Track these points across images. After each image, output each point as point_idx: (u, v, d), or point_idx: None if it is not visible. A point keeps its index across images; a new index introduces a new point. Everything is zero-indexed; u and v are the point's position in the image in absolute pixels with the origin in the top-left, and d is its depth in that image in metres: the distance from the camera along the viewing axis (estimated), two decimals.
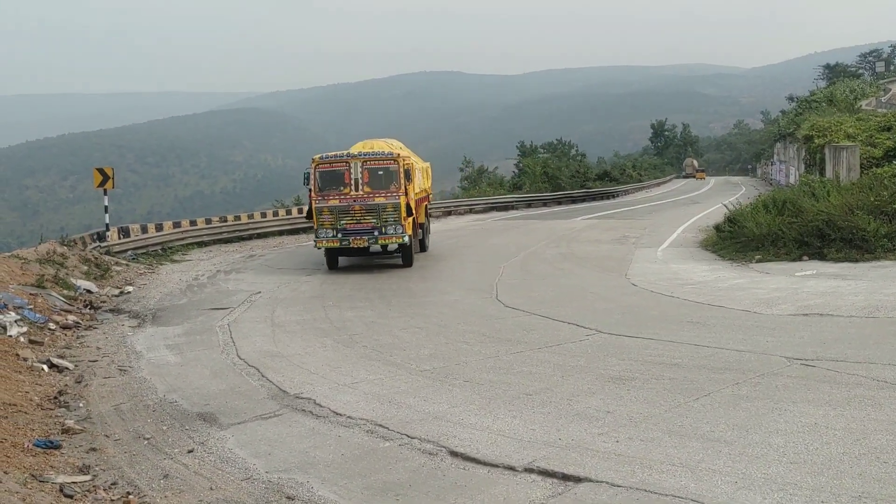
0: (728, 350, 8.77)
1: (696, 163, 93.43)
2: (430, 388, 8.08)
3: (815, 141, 27.39)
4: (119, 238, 22.51)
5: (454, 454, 6.13)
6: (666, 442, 6.00)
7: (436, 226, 28.40)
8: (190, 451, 6.58)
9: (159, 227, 25.14)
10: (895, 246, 15.07)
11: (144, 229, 24.41)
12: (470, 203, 40.26)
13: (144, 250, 22.56)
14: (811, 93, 56.38)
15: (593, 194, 48.56)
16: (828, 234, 15.86)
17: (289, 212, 31.42)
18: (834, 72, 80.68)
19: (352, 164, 17.61)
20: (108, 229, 22.13)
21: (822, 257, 15.60)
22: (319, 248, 18.06)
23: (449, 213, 37.53)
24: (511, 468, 5.76)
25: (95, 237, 21.86)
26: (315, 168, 17.75)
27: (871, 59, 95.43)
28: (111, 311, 13.96)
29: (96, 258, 18.91)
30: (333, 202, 17.55)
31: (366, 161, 17.67)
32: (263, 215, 30.30)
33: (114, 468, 6.23)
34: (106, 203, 22.09)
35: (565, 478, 5.49)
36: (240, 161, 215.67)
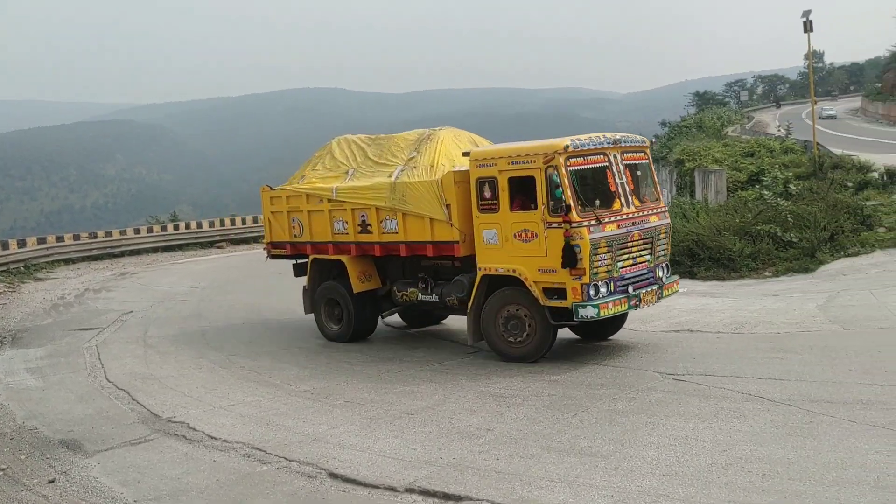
0: (605, 366, 8.99)
1: None
2: (310, 408, 7.92)
3: (686, 164, 28.65)
4: None
5: (334, 476, 6.01)
6: (545, 458, 6.07)
7: None
8: (51, 482, 6.20)
9: (21, 243, 23.81)
10: (758, 265, 15.88)
11: (5, 245, 23.08)
12: None
13: (5, 267, 21.34)
14: (682, 119, 59.16)
15: None
16: (698, 253, 16.54)
17: (164, 228, 30.38)
18: (703, 99, 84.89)
19: (611, 157, 9.63)
20: None
21: (692, 276, 16.24)
22: (590, 319, 8.90)
23: None
24: (392, 489, 5.69)
25: None
26: (565, 163, 9.15)
27: (736, 88, 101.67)
28: None
29: None
30: (611, 228, 9.19)
31: (625, 150, 9.89)
32: (137, 231, 29.19)
33: None
34: None
35: (446, 497, 5.47)
36: (112, 175, 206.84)
